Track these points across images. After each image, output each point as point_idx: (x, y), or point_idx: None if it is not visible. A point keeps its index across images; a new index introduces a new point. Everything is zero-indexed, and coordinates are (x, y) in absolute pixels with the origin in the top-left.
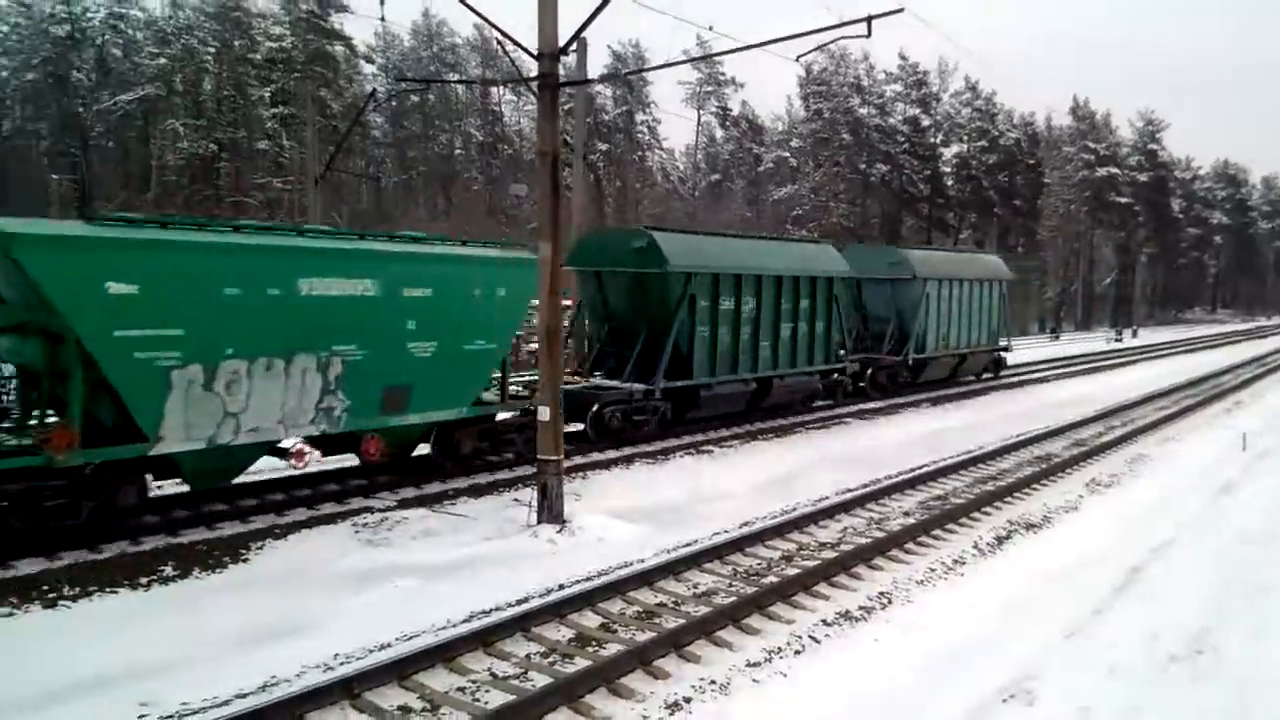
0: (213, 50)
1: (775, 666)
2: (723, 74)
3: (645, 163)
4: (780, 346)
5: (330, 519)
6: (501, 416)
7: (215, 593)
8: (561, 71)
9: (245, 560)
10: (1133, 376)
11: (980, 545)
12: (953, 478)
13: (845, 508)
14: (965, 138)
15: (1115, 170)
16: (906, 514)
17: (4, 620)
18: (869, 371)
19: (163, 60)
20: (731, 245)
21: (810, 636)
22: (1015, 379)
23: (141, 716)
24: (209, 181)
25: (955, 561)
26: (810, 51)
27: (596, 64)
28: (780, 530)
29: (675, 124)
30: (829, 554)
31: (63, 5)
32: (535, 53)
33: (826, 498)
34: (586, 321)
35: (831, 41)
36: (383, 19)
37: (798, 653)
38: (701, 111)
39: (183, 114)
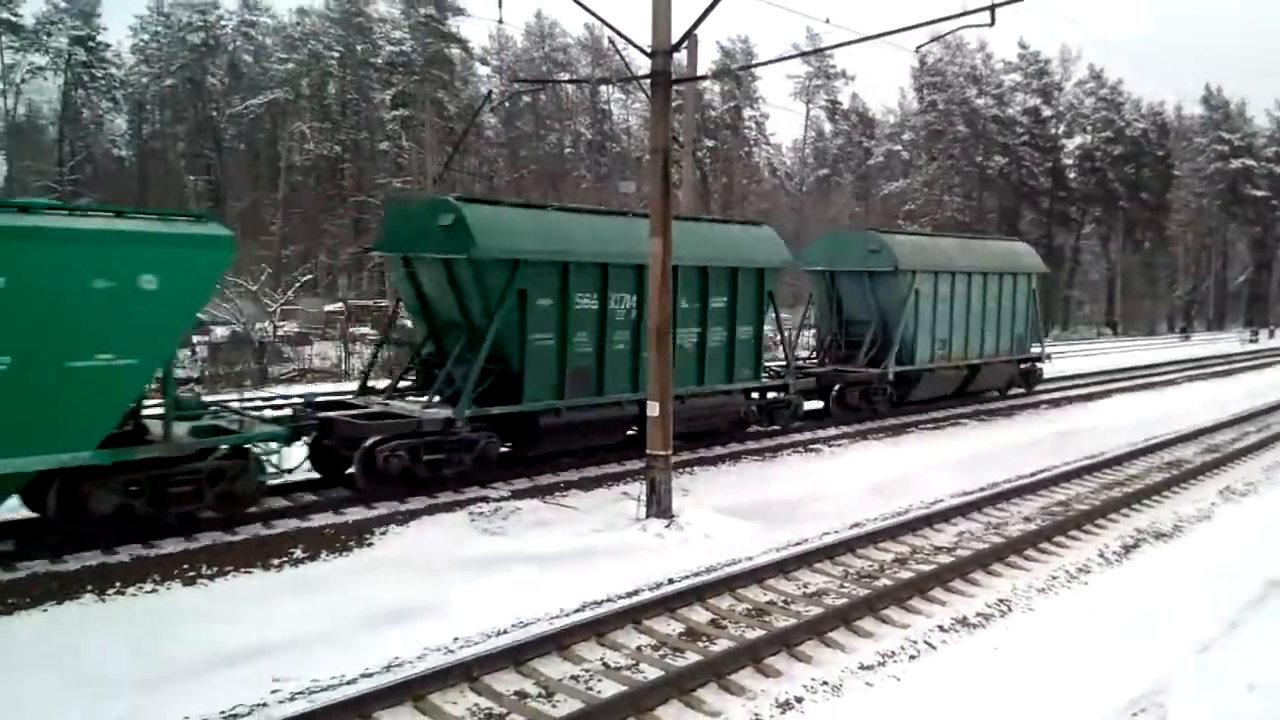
0: (337, 55)
1: (889, 670)
2: (833, 66)
3: (752, 158)
4: (680, 358)
5: (448, 507)
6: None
7: (342, 575)
8: (672, 69)
9: (370, 545)
10: (1265, 380)
11: (1106, 554)
12: (1076, 483)
13: (962, 511)
14: (1089, 128)
15: (1251, 162)
16: (1027, 519)
17: (150, 597)
18: (836, 389)
19: (290, 65)
20: (601, 226)
21: (925, 641)
22: (1116, 387)
23: (274, 691)
24: (333, 182)
25: (1079, 570)
26: (929, 42)
27: (705, 60)
28: (893, 532)
29: (783, 118)
30: (945, 558)
31: (199, 14)
32: (649, 50)
33: (941, 500)
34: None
35: (951, 32)
36: (500, 21)
37: (912, 657)
38: (810, 105)
39: (309, 117)
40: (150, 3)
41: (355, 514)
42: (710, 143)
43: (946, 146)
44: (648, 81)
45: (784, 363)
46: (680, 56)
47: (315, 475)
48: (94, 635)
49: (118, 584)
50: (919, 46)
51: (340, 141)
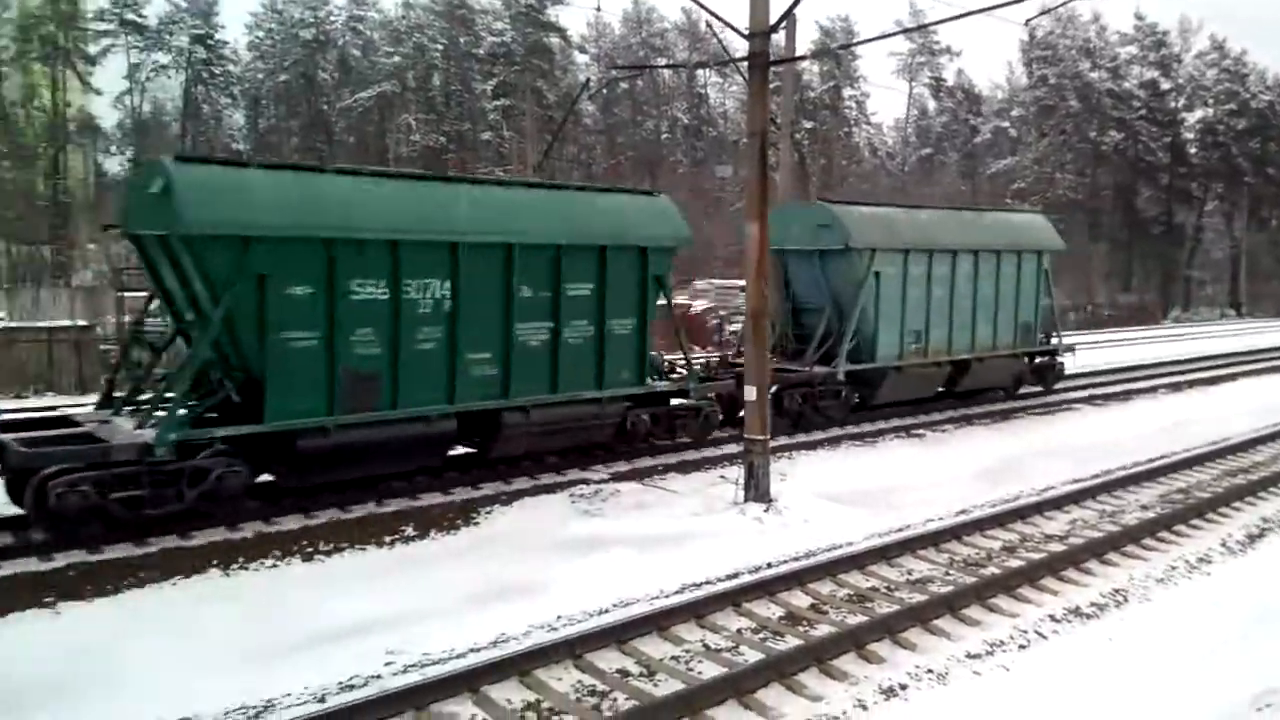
0: (441, 47)
1: (997, 659)
2: (937, 43)
3: (852, 139)
4: (520, 360)
5: (550, 489)
6: None
7: (450, 553)
8: (770, 50)
9: (476, 524)
10: None
11: (1229, 543)
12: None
13: (1074, 499)
14: (1211, 101)
15: None
16: (1145, 508)
17: (271, 570)
18: (774, 392)
19: (397, 59)
20: (395, 194)
21: (1036, 631)
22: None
23: (388, 664)
24: (438, 171)
25: (1200, 560)
26: (1039, 15)
27: (804, 40)
28: (1001, 520)
29: (884, 97)
30: (1056, 546)
31: (310, 10)
32: (746, 32)
33: (1052, 487)
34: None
35: (1063, 4)
36: (599, 9)
37: (1022, 647)
38: (913, 83)
39: (415, 109)
40: (264, 0)
41: (462, 494)
42: (809, 124)
43: (1058, 122)
44: (745, 64)
45: (715, 361)
46: (778, 38)
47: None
48: (216, 607)
49: (240, 559)
50: (1028, 20)
51: (444, 132)
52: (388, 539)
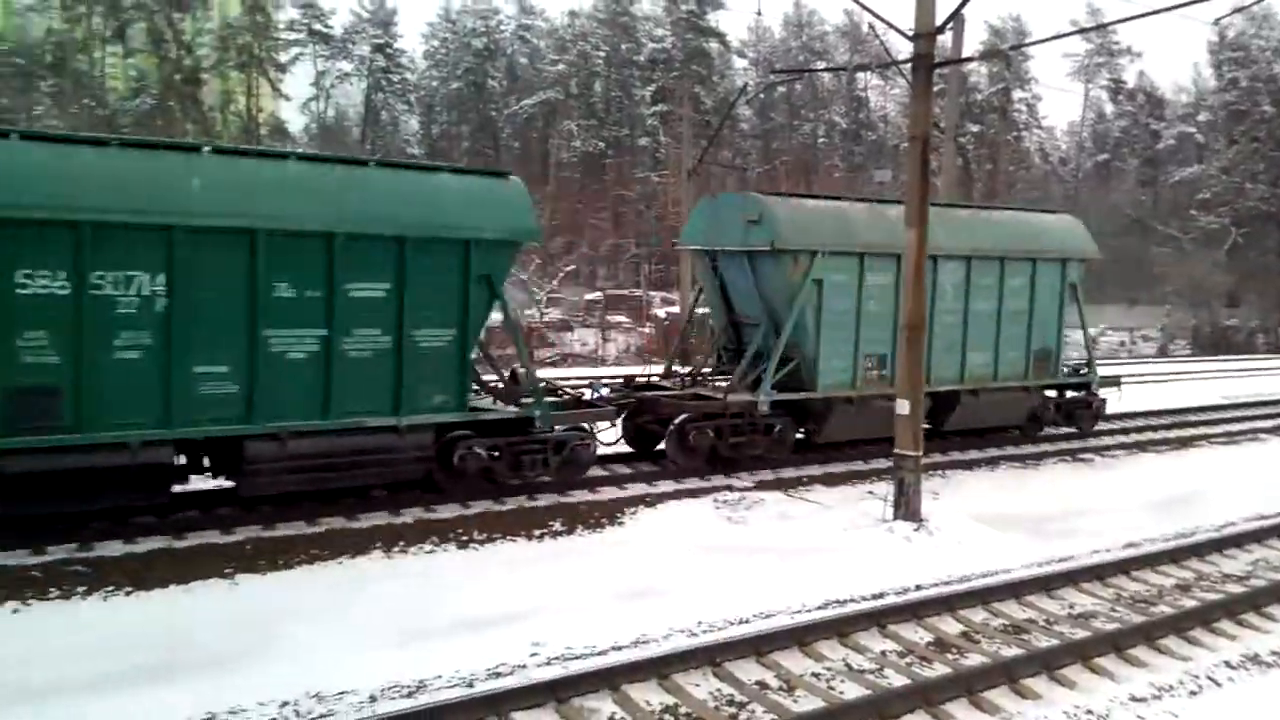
0: (603, 54)
1: (1164, 705)
2: (1116, 43)
3: (1021, 143)
4: (272, 375)
5: (694, 494)
6: None
7: (596, 550)
8: (936, 51)
9: (621, 524)
10: None
11: None
12: None
13: (1257, 537)
14: None
15: None
16: None
17: (428, 556)
18: (675, 426)
19: (561, 66)
20: (83, 164)
21: (1209, 677)
22: None
23: (533, 654)
24: (597, 176)
25: None
26: (1231, 14)
27: (972, 41)
28: (1174, 555)
29: (1057, 100)
30: (1235, 587)
31: (481, 20)
32: (911, 33)
33: (1232, 523)
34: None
35: (1256, 2)
36: (759, 13)
37: (1193, 694)
38: (1090, 85)
39: (576, 115)
40: (440, 11)
41: (608, 493)
42: (975, 128)
43: (1250, 128)
44: (908, 66)
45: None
46: (944, 39)
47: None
48: (377, 587)
49: (402, 543)
50: (1219, 19)
51: (603, 138)
52: (537, 532)
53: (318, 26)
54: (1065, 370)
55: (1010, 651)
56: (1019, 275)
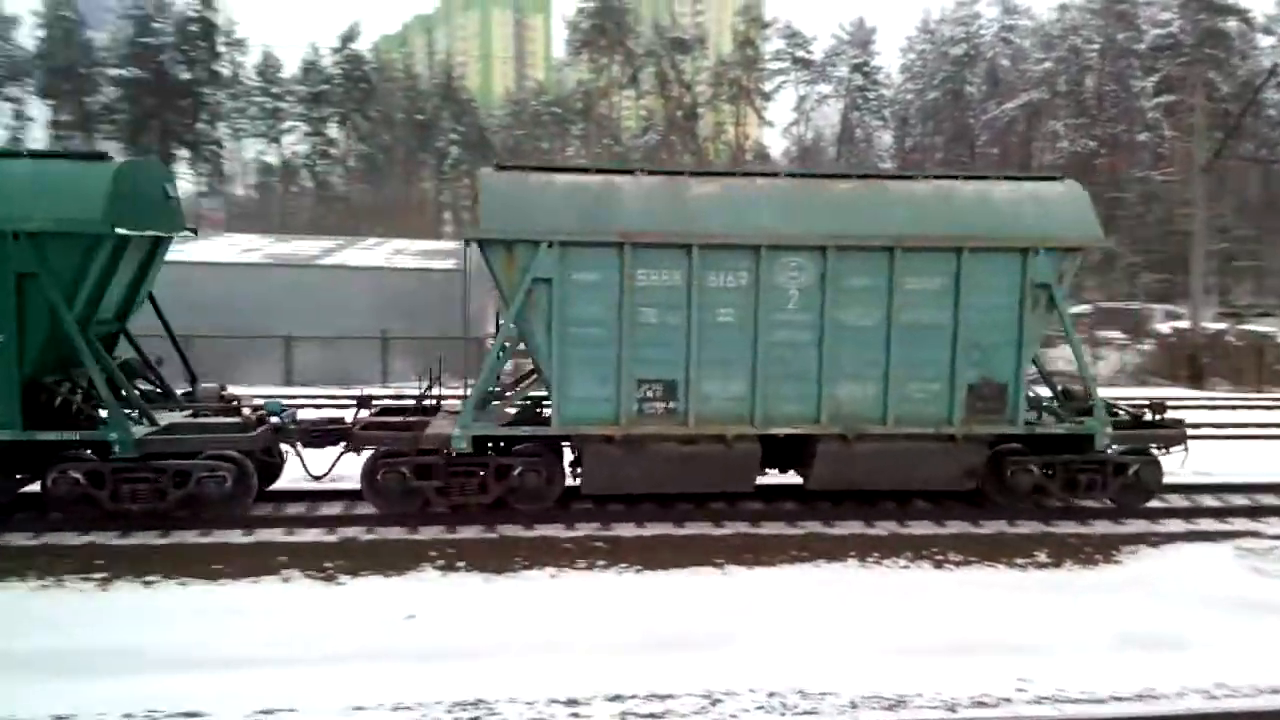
0: (1096, 46)
1: None
2: None
3: None
4: None
5: (1208, 536)
6: None
7: (1090, 589)
8: None
9: (1117, 562)
10: None
11: None
12: None
13: None
14: None
15: None
16: None
17: (903, 570)
18: (366, 462)
19: (1048, 64)
20: None
21: None
22: None
23: (1019, 689)
24: (1087, 177)
25: None
26: None
27: None
28: None
29: None
30: None
31: (961, 27)
32: None
33: None
34: None
35: None
36: None
37: None
38: None
39: (1063, 114)
40: (918, 24)
41: (1101, 527)
42: None
43: None
44: None
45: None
46: None
47: None
48: (856, 595)
49: (876, 554)
50: None
51: (1095, 136)
52: (1020, 561)
53: (801, 54)
54: (1037, 413)
55: None
56: (929, 273)
